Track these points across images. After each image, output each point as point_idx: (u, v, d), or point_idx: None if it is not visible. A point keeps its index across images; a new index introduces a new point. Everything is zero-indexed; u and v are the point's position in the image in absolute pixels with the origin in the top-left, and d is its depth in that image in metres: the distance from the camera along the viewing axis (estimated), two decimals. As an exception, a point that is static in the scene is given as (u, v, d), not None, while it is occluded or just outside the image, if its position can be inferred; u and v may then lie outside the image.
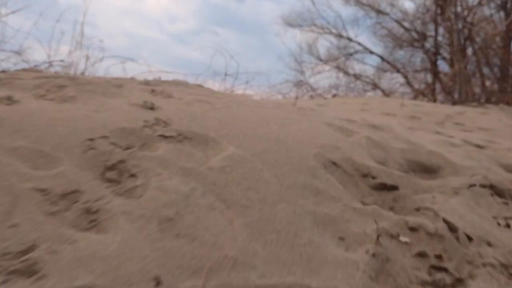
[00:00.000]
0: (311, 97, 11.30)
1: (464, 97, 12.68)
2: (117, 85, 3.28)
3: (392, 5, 27.31)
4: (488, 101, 12.36)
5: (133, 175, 2.13)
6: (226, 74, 8.84)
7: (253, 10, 32.83)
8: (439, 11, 25.09)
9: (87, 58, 6.30)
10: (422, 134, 4.54)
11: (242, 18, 33.04)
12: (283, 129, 3.22)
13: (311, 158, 2.88)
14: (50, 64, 5.93)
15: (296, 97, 5.94)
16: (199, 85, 4.22)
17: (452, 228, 2.58)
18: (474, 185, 3.31)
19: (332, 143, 3.22)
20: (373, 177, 3.00)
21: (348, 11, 27.36)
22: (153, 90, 3.37)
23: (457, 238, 2.52)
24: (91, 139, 2.30)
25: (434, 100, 14.19)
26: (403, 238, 2.35)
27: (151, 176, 2.14)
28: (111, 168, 2.14)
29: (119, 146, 2.33)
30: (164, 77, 5.85)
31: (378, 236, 2.20)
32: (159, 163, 2.27)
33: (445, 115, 8.38)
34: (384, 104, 8.56)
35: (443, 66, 26.86)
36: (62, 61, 6.06)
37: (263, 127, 3.14)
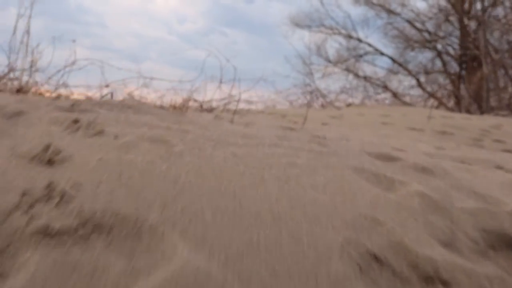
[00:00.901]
0: (322, 106, 9.99)
1: (490, 105, 11.39)
2: (14, 114, 1.98)
3: (403, 4, 25.97)
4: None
5: None
6: (221, 82, 7.55)
7: (262, 11, 31.73)
8: (454, 10, 23.78)
9: (34, 62, 5.08)
10: (482, 172, 3.23)
11: (250, 18, 31.97)
12: (287, 190, 1.90)
13: (335, 255, 1.58)
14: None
15: (305, 118, 4.64)
16: (162, 107, 2.94)
17: None
18: None
19: (368, 213, 1.91)
20: (445, 283, 1.68)
21: (357, 11, 26.01)
22: (75, 121, 2.06)
23: None
24: None
25: (459, 109, 12.81)
26: None
27: None
28: None
29: None
30: (156, 84, 4.65)
31: None
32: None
33: (480, 130, 7.05)
34: (407, 115, 7.25)
35: (456, 68, 25.57)
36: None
37: (253, 189, 1.82)
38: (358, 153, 2.77)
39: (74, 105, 2.34)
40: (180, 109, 3.12)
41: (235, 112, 4.51)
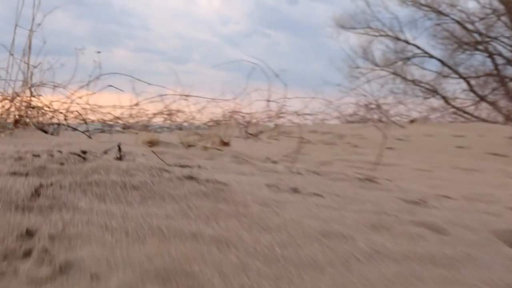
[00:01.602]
0: (381, 121, 9.00)
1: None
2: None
3: (452, 5, 24.67)
4: None
5: None
6: (268, 100, 6.77)
7: (306, 12, 30.97)
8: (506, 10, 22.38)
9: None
10: None
11: (294, 20, 31.23)
12: None
13: None
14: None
15: (376, 161, 3.84)
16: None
17: None
18: None
19: None
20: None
21: (404, 12, 24.77)
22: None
23: None
24: None
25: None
26: None
27: None
28: None
29: None
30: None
31: None
32: None
33: None
34: (485, 136, 6.32)
35: (510, 70, 24.15)
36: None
37: None
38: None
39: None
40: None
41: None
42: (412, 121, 7.99)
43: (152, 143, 3.88)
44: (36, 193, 1.77)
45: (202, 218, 1.69)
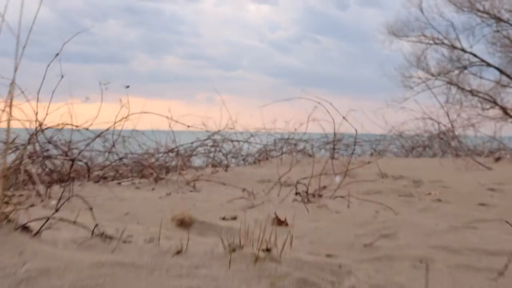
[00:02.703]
0: (457, 155, 7.85)
1: None
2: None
3: (512, 11, 23.21)
4: None
5: None
6: (333, 148, 6.01)
7: (355, 17, 30.09)
8: None
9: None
10: None
11: (343, 25, 30.42)
12: None
13: None
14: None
15: None
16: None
17: None
18: None
19: None
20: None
21: (461, 19, 23.43)
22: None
23: None
24: None
25: None
26: None
27: None
28: None
29: None
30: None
31: None
32: None
33: None
34: None
35: None
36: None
37: None
38: None
39: None
40: None
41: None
42: (497, 159, 6.81)
43: (183, 223, 3.08)
44: None
45: None
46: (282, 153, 7.96)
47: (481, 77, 23.57)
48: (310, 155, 8.25)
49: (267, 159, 7.39)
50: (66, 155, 5.22)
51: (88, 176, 5.32)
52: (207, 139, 7.38)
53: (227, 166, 6.44)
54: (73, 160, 4.93)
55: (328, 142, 8.62)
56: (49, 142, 5.32)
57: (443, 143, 8.70)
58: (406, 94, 23.86)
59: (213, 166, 7.48)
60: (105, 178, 5.52)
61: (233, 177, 5.81)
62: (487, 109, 22.76)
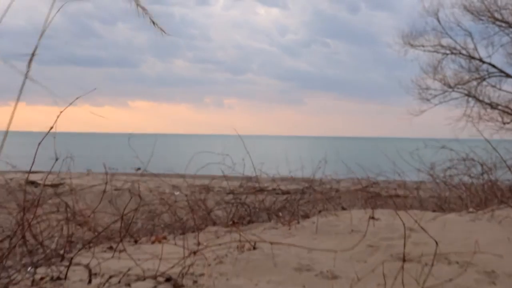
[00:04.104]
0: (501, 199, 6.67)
1: None
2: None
3: (532, 20, 22.24)
4: None
5: None
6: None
7: (366, 21, 29.33)
8: None
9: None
10: None
11: (353, 29, 29.72)
12: None
13: None
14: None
15: None
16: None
17: None
18: None
19: None
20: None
21: (478, 28, 22.52)
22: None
23: None
24: None
25: None
26: None
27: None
28: None
29: None
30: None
31: None
32: None
33: None
34: None
35: None
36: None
37: None
38: None
39: None
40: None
41: None
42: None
43: None
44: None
45: None
46: (319, 212, 6.96)
47: (500, 89, 22.69)
48: (343, 208, 7.33)
49: (298, 222, 6.39)
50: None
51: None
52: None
53: (254, 245, 5.37)
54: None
55: (362, 188, 7.67)
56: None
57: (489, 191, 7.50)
58: (423, 106, 23.02)
59: (233, 223, 6.61)
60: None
61: (264, 260, 4.85)
62: (508, 123, 21.89)
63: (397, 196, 8.52)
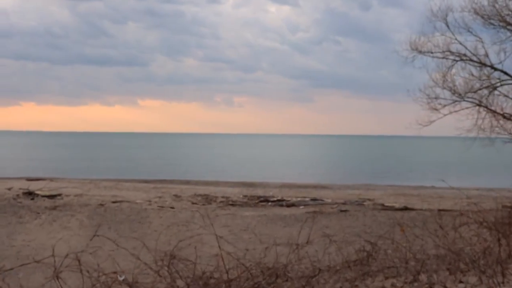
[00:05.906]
0: None
1: None
2: None
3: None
4: None
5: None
6: None
7: (377, 18, 28.25)
8: None
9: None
10: None
11: (364, 26, 28.64)
12: None
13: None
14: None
15: None
16: None
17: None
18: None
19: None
20: None
21: (489, 33, 21.27)
22: None
23: None
24: None
25: None
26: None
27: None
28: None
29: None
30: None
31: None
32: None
33: None
34: None
35: None
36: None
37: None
38: None
39: None
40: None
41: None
42: None
43: None
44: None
45: None
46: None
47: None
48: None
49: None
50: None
51: None
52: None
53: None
54: None
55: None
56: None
57: None
58: (432, 116, 21.70)
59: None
60: None
61: None
62: (524, 134, 20.65)
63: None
